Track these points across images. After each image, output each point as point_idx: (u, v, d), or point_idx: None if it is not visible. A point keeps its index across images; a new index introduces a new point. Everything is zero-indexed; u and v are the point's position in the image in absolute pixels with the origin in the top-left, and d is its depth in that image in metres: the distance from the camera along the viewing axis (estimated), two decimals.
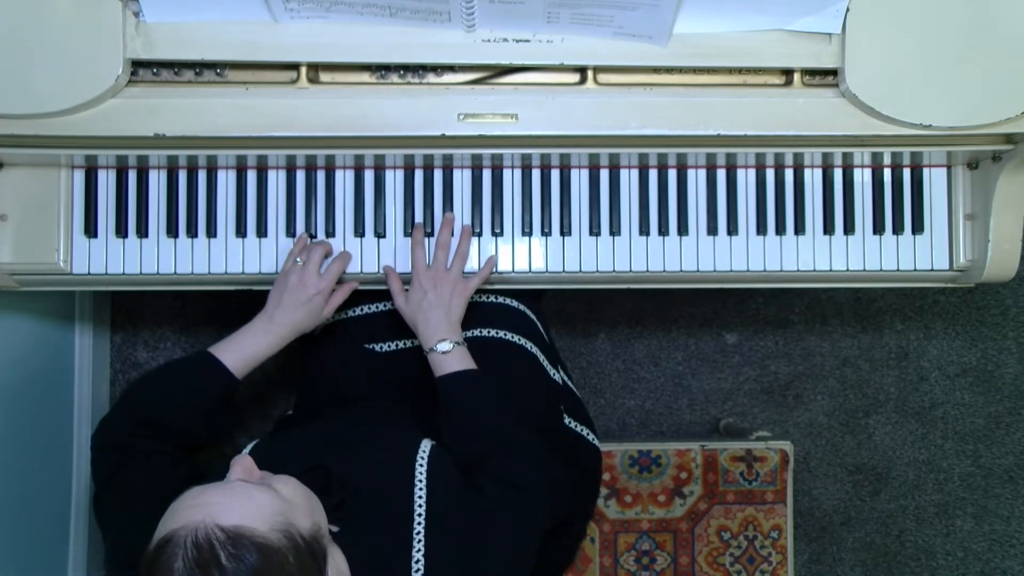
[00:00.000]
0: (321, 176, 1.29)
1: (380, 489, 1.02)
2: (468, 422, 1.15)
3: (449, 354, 1.18)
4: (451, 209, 1.29)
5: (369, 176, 1.29)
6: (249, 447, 1.08)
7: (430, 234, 1.29)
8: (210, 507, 0.81)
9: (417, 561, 0.97)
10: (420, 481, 1.02)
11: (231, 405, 1.21)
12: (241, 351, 1.18)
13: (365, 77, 1.19)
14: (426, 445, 1.07)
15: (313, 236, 1.29)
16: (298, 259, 1.23)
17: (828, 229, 1.31)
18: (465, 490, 1.05)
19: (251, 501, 0.83)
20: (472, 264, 1.29)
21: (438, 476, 1.04)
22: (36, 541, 1.60)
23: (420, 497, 1.01)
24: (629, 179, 1.30)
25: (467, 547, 1.00)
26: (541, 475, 1.11)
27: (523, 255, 1.30)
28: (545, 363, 1.37)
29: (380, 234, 1.29)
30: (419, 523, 1.00)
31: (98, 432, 1.14)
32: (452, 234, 1.27)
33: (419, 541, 0.99)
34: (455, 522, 1.01)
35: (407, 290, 1.25)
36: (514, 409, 1.18)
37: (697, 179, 1.31)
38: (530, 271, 1.31)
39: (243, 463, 0.90)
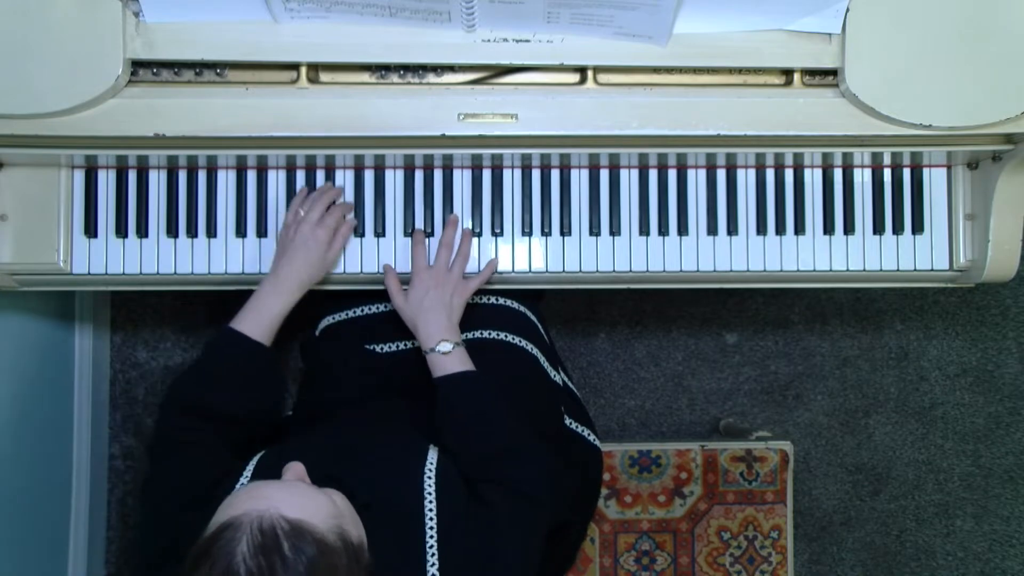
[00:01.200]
0: (321, 176, 1.29)
1: (390, 502, 1.01)
2: (468, 424, 1.14)
3: (449, 355, 1.18)
4: (451, 209, 1.29)
5: (369, 176, 1.29)
6: (256, 457, 1.07)
7: (430, 235, 1.29)
8: (274, 499, 0.83)
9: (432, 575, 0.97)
10: (429, 493, 1.02)
11: (273, 377, 1.20)
12: (256, 316, 1.18)
13: (365, 77, 1.19)
14: (433, 455, 1.07)
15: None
16: (300, 210, 1.23)
17: (828, 229, 1.31)
18: (470, 501, 1.04)
19: (312, 500, 0.86)
20: (472, 267, 1.29)
21: (446, 487, 1.03)
22: (36, 541, 1.60)
23: (431, 509, 1.01)
24: (629, 179, 1.30)
25: (479, 558, 1.00)
26: (545, 481, 1.11)
27: (523, 255, 1.30)
28: (545, 364, 1.37)
29: (380, 234, 1.29)
30: (431, 535, 0.99)
31: (151, 436, 1.16)
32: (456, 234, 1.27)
33: (432, 553, 0.98)
34: (465, 533, 1.00)
35: (405, 290, 1.24)
36: (515, 411, 1.17)
37: (697, 179, 1.31)
38: (530, 271, 1.31)
39: (296, 470, 0.93)
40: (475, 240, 1.29)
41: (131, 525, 1.97)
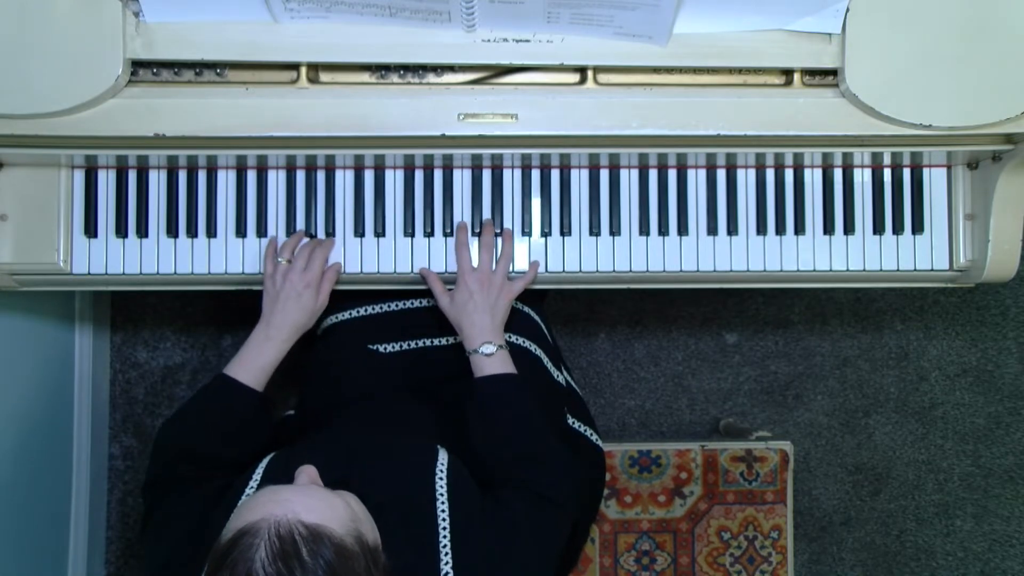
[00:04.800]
0: (321, 176, 1.29)
1: (402, 504, 1.01)
2: (504, 426, 1.16)
3: (492, 357, 1.19)
4: (451, 209, 1.29)
5: (369, 176, 1.29)
6: (266, 460, 1.07)
7: (429, 234, 1.29)
8: (291, 503, 0.83)
9: (446, 574, 0.97)
10: (441, 494, 1.02)
11: (263, 423, 1.21)
12: (251, 365, 1.20)
13: (365, 77, 1.19)
14: (443, 457, 1.07)
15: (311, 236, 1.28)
16: (280, 259, 1.23)
17: (828, 229, 1.31)
18: (484, 502, 1.04)
19: (328, 504, 0.85)
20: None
21: (458, 489, 1.03)
22: (36, 541, 1.60)
23: (443, 511, 1.01)
24: (629, 179, 1.30)
25: (495, 559, 1.00)
26: (570, 485, 1.12)
27: (523, 255, 1.30)
28: (549, 365, 1.37)
29: (379, 234, 1.29)
30: (444, 536, 0.99)
31: (143, 483, 1.16)
32: (493, 236, 1.28)
33: (446, 552, 0.98)
34: (479, 534, 1.00)
35: (450, 290, 1.25)
36: (549, 416, 1.18)
37: (697, 179, 1.31)
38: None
39: (309, 472, 0.93)
40: (474, 240, 1.29)
41: (131, 525, 1.97)
